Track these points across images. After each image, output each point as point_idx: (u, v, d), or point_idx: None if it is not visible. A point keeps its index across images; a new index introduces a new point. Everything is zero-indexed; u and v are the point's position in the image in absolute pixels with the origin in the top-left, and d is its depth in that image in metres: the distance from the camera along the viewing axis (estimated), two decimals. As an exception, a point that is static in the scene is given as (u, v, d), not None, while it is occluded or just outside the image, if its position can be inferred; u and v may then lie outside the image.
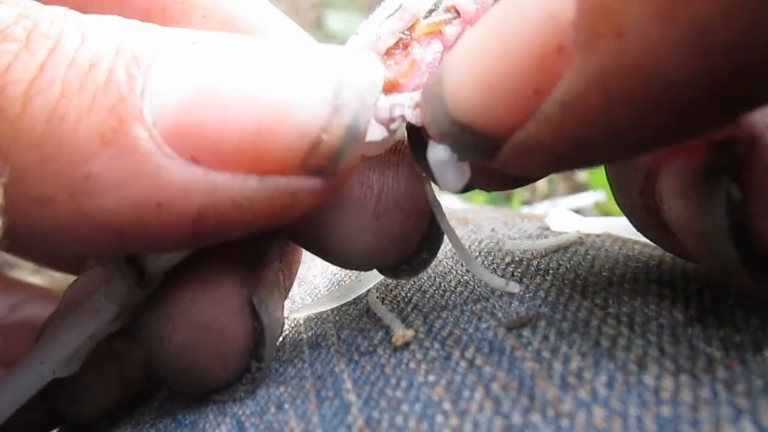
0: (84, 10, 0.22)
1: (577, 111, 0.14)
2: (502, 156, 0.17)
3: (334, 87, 0.17)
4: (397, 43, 0.21)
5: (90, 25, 0.17)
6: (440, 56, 0.20)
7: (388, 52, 0.21)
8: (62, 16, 0.17)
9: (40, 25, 0.17)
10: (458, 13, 0.21)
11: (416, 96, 0.20)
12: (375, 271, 0.27)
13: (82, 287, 0.25)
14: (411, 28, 0.21)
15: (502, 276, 0.25)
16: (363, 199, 0.21)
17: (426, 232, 0.23)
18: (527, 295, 0.23)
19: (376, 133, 0.20)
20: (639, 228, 0.23)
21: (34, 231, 0.17)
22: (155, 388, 0.27)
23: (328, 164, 0.17)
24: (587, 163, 0.17)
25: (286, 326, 0.27)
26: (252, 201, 0.17)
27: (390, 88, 0.20)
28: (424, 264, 0.23)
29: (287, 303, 0.31)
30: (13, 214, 0.16)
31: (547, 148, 0.16)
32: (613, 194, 0.23)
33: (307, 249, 0.24)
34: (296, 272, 0.27)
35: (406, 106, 0.20)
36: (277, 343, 0.26)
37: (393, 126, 0.20)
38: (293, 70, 0.17)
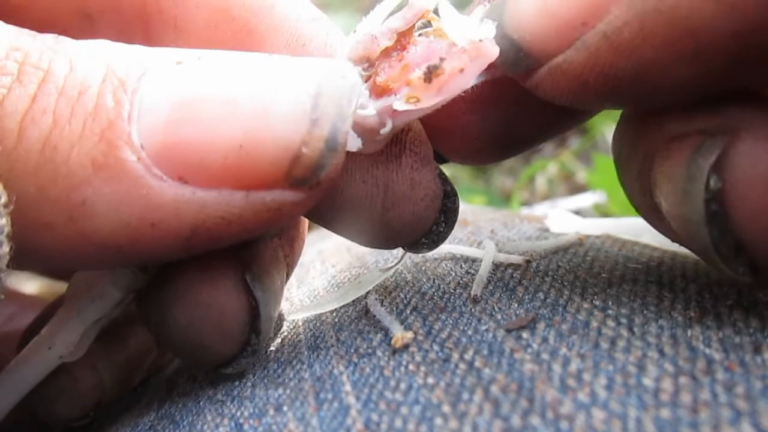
0: (85, 8, 0.22)
1: (612, 42, 0.16)
2: (538, 76, 0.19)
3: (312, 99, 0.18)
4: (395, 44, 0.20)
5: (77, 53, 0.18)
6: (437, 59, 0.20)
7: (386, 52, 0.20)
8: (51, 44, 0.18)
9: (30, 57, 0.17)
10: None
11: (406, 91, 0.19)
12: (374, 273, 0.27)
13: (87, 275, 0.25)
14: (408, 31, 0.21)
15: (501, 279, 0.25)
16: (371, 197, 0.22)
17: (439, 210, 0.24)
18: (526, 297, 0.23)
19: (353, 143, 0.20)
20: (635, 207, 0.24)
21: (38, 252, 0.18)
22: (132, 391, 0.29)
23: (311, 176, 0.18)
24: (608, 95, 0.18)
25: (284, 327, 0.27)
26: (240, 216, 0.18)
27: (380, 92, 0.20)
28: (443, 236, 0.24)
29: (286, 305, 0.31)
30: (17, 239, 0.16)
31: (579, 73, 0.18)
32: (618, 175, 0.24)
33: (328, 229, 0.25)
34: (300, 247, 0.27)
35: (397, 101, 0.19)
36: (276, 317, 0.27)
37: (384, 130, 0.20)
38: (270, 85, 0.18)
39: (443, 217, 0.24)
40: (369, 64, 0.21)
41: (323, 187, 0.19)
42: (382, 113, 0.20)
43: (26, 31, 0.18)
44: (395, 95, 0.20)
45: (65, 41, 0.18)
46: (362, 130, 0.20)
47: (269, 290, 0.23)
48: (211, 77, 0.18)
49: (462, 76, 0.19)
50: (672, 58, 0.16)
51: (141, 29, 0.23)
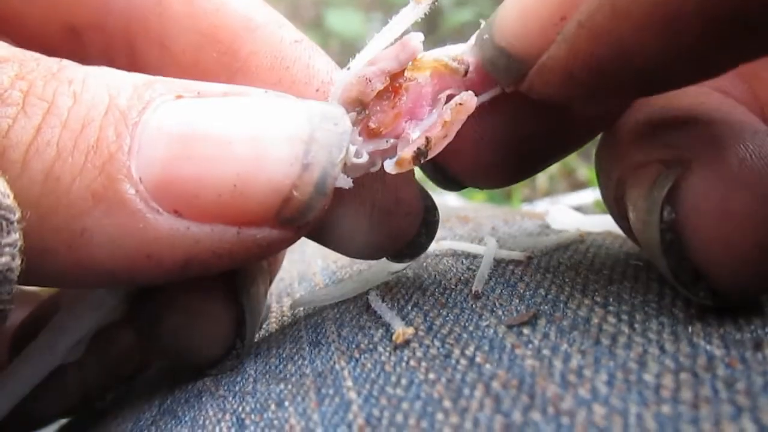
0: (72, 24, 0.23)
1: (588, 29, 0.16)
2: (529, 78, 0.19)
3: (304, 145, 0.19)
4: (387, 87, 0.21)
5: (81, 82, 0.18)
6: (427, 110, 0.21)
7: (378, 94, 0.21)
8: (55, 71, 0.18)
9: (35, 87, 0.18)
10: (466, 71, 0.21)
11: (394, 141, 0.21)
12: (380, 271, 0.27)
13: None
14: (400, 74, 0.21)
15: (502, 275, 0.25)
16: (358, 214, 0.23)
17: (421, 224, 0.25)
18: (527, 293, 0.23)
19: (343, 183, 0.20)
20: (620, 229, 0.24)
21: (39, 275, 0.18)
22: (133, 386, 0.30)
23: (299, 217, 0.19)
24: (595, 86, 0.18)
25: (285, 323, 0.27)
26: (231, 251, 0.19)
27: (372, 135, 0.21)
28: (424, 247, 0.26)
29: (287, 299, 0.31)
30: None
31: (563, 67, 0.17)
32: (601, 197, 0.25)
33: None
34: (282, 258, 0.29)
35: (385, 148, 0.21)
36: (262, 323, 0.29)
37: (373, 169, 0.21)
38: (265, 129, 0.19)
39: (425, 229, 0.25)
40: (362, 107, 0.21)
41: (310, 226, 0.20)
42: (374, 155, 0.21)
43: (30, 54, 0.19)
44: (386, 140, 0.21)
45: (68, 68, 0.19)
46: (353, 170, 0.21)
47: (254, 298, 0.25)
48: (209, 115, 0.19)
49: (446, 138, 0.20)
50: (647, 36, 0.15)
51: (126, 46, 0.23)
